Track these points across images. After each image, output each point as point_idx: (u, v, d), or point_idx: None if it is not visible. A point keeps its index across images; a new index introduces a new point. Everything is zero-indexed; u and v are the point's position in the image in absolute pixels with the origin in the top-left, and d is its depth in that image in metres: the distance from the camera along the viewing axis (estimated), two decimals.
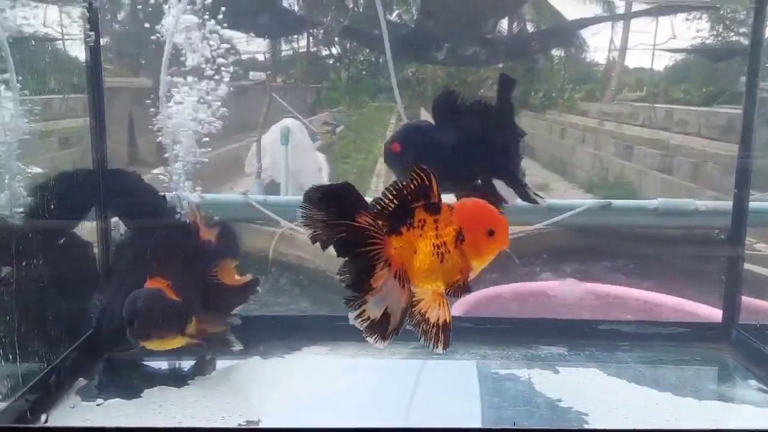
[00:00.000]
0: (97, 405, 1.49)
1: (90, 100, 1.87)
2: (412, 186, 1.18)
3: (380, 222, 1.19)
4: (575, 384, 1.70)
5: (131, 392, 1.61)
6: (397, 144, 1.54)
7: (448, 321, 1.23)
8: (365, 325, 1.18)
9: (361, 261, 1.18)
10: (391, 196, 1.20)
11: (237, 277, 1.83)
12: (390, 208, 1.19)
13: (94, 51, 1.87)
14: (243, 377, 1.75)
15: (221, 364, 1.82)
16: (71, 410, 1.52)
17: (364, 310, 1.18)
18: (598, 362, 1.83)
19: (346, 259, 1.18)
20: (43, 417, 1.48)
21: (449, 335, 1.23)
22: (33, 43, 1.91)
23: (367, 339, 1.18)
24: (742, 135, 1.89)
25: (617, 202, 3.53)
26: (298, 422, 1.58)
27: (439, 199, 1.20)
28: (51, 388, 1.57)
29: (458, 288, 1.21)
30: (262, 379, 1.75)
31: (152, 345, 1.57)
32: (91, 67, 1.87)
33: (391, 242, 1.19)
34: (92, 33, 1.85)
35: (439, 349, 1.23)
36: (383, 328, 1.19)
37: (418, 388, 1.72)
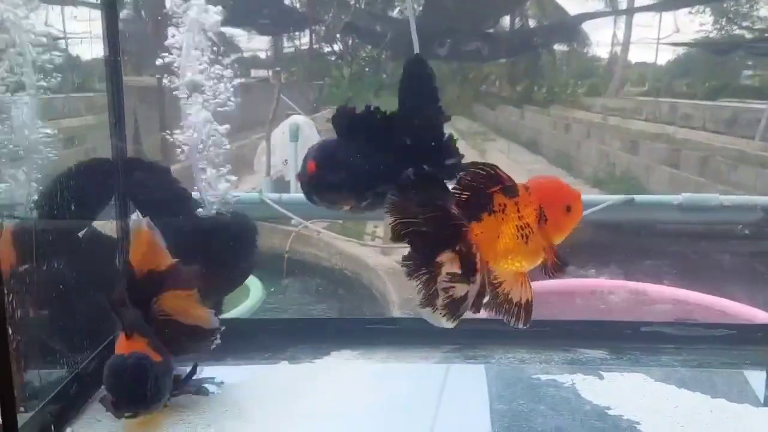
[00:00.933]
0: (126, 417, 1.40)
1: (109, 98, 1.79)
2: (482, 174, 1.19)
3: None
4: (622, 390, 1.62)
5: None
6: (313, 163, 1.43)
7: (530, 299, 1.26)
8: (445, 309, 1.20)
9: (445, 249, 1.19)
10: (464, 184, 1.20)
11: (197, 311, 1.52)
12: (466, 196, 1.20)
13: (112, 47, 1.78)
14: (271, 383, 1.67)
15: (248, 369, 1.75)
16: (97, 423, 1.44)
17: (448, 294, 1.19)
18: (643, 366, 1.75)
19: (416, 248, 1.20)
20: (69, 430, 1.40)
21: (531, 312, 1.26)
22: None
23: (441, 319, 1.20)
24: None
25: (640, 198, 3.45)
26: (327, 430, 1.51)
27: (513, 182, 1.21)
28: (74, 398, 1.49)
29: (555, 266, 1.24)
30: (290, 385, 1.67)
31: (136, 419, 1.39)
32: (111, 65, 1.78)
33: (473, 229, 1.21)
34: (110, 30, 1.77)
35: (521, 325, 1.26)
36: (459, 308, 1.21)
37: (452, 394, 1.65)
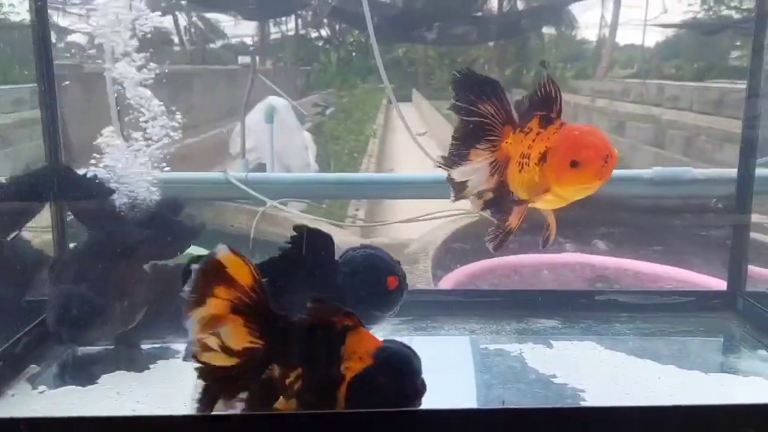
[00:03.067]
0: (40, 393, 1.35)
1: (41, 92, 1.72)
2: (540, 94, 1.27)
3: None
4: (570, 359, 1.57)
5: (87, 379, 1.47)
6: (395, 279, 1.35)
7: (512, 228, 1.35)
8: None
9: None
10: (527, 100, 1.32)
11: None
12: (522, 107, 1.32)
13: (42, 37, 1.71)
14: None
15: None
16: (11, 399, 1.39)
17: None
18: (595, 335, 1.70)
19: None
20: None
21: (505, 242, 1.36)
22: None
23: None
24: (746, 104, 1.78)
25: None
26: None
27: (559, 117, 1.26)
28: None
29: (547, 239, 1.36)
30: None
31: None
32: (40, 56, 1.71)
33: (506, 134, 1.35)
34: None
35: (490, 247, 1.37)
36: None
37: None
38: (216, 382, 0.98)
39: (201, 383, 0.98)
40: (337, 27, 17.82)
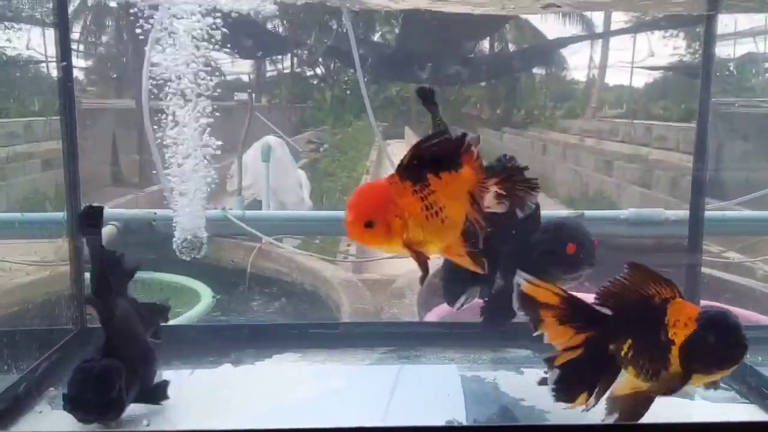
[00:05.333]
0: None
1: (62, 123, 1.89)
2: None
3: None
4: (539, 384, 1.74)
5: None
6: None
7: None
8: None
9: None
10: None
11: None
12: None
13: (65, 71, 1.89)
14: (214, 385, 1.77)
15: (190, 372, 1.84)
16: (39, 415, 1.54)
17: None
18: None
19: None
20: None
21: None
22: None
23: None
24: (696, 146, 1.98)
25: (590, 213, 3.60)
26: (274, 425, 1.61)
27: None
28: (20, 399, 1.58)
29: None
30: (232, 386, 1.78)
31: None
32: (63, 89, 1.89)
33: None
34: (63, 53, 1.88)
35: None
36: None
37: (383, 390, 1.75)
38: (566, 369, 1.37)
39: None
40: (332, 66, 18.20)
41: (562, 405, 1.38)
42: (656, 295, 1.29)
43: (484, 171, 1.38)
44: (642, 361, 1.31)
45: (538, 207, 1.58)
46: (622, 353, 1.34)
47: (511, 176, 1.44)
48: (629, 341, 1.32)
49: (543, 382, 1.43)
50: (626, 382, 1.37)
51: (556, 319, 1.36)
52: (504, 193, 1.41)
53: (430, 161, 1.28)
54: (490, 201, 1.41)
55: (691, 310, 1.27)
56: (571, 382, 1.38)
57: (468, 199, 1.36)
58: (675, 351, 1.26)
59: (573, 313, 1.36)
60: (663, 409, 1.38)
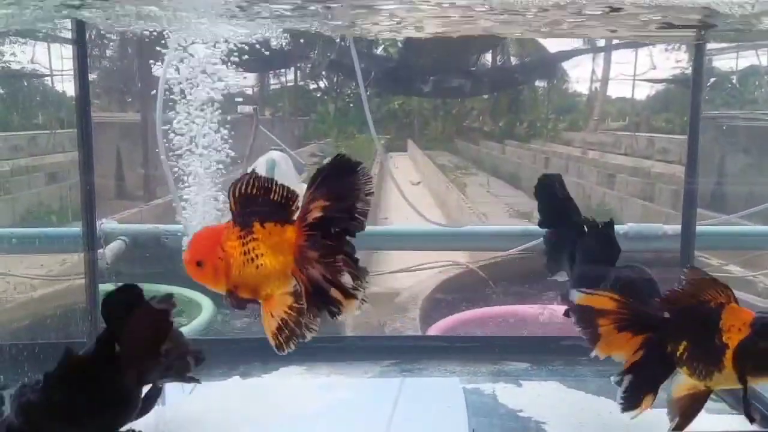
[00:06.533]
0: None
1: (78, 135, 1.96)
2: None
3: None
4: (536, 396, 1.80)
5: None
6: None
7: None
8: None
9: None
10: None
11: None
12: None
13: (82, 85, 1.96)
14: (222, 396, 1.83)
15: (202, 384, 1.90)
16: None
17: None
18: (560, 375, 1.93)
19: None
20: None
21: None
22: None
23: None
24: (687, 161, 2.04)
25: None
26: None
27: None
28: None
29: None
30: (241, 397, 1.84)
31: None
32: (80, 102, 1.95)
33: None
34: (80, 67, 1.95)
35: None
36: None
37: (387, 401, 1.81)
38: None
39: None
40: (335, 79, 18.32)
41: (630, 414, 1.44)
42: (712, 299, 1.36)
43: (308, 239, 1.36)
44: (696, 363, 1.38)
45: (611, 226, 1.66)
46: (678, 354, 1.41)
47: (334, 251, 1.36)
48: (685, 343, 1.39)
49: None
50: (683, 383, 1.43)
51: (614, 326, 1.41)
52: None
53: (259, 209, 1.34)
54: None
55: (746, 315, 1.34)
56: (638, 387, 1.43)
57: (294, 257, 1.36)
58: (729, 354, 1.33)
59: (631, 317, 1.41)
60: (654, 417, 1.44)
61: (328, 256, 1.34)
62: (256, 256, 1.34)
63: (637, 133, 14.63)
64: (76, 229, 1.98)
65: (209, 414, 1.71)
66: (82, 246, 1.91)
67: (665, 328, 1.41)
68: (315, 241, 1.34)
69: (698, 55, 2.04)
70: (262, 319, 1.39)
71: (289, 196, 1.35)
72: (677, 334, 1.41)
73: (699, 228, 2.37)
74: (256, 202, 1.33)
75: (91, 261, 1.91)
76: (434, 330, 2.92)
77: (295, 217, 1.36)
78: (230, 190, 1.33)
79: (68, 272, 4.16)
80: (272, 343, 1.39)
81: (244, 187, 1.32)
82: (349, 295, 1.36)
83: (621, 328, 1.42)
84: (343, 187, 1.34)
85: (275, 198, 1.34)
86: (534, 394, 1.81)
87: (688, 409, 1.42)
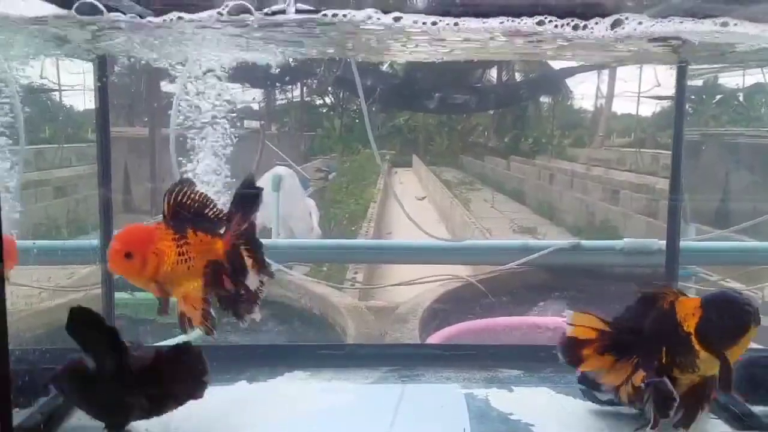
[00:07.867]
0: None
1: (98, 149, 2.07)
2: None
3: None
4: (527, 401, 1.90)
5: None
6: None
7: None
8: None
9: None
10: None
11: None
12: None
13: (102, 100, 2.07)
14: (230, 400, 1.93)
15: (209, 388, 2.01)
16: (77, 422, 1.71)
17: None
18: (550, 382, 2.02)
19: None
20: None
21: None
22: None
23: None
24: (671, 179, 2.15)
25: (586, 243, 3.76)
26: None
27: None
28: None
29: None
30: (248, 400, 1.94)
31: None
32: (100, 117, 2.06)
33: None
34: (100, 83, 2.06)
35: None
36: None
37: (386, 405, 1.92)
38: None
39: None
40: (341, 95, 18.50)
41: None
42: (663, 301, 1.50)
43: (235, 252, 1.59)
44: (679, 360, 1.49)
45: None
46: (663, 360, 1.52)
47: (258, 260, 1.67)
48: (663, 348, 1.51)
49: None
50: (683, 382, 1.53)
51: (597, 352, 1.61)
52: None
53: (192, 217, 1.54)
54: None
55: (695, 301, 1.47)
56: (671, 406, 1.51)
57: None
58: (694, 339, 1.44)
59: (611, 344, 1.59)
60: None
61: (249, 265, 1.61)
62: (189, 258, 1.53)
63: (641, 150, 14.73)
64: (93, 241, 2.09)
65: (217, 417, 1.81)
66: (99, 257, 2.01)
67: (643, 346, 1.53)
68: (239, 254, 1.58)
69: (680, 75, 2.14)
70: (178, 313, 1.57)
71: (220, 215, 1.57)
72: (653, 344, 1.52)
73: (700, 243, 2.48)
74: (189, 212, 1.53)
75: (107, 271, 2.02)
76: (433, 340, 3.01)
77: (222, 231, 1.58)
78: (165, 196, 1.52)
79: (76, 285, 4.30)
80: (203, 331, 1.59)
81: (179, 196, 1.52)
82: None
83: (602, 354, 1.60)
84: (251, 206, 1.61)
85: (209, 213, 1.56)
86: (525, 399, 1.91)
87: (693, 403, 1.52)
